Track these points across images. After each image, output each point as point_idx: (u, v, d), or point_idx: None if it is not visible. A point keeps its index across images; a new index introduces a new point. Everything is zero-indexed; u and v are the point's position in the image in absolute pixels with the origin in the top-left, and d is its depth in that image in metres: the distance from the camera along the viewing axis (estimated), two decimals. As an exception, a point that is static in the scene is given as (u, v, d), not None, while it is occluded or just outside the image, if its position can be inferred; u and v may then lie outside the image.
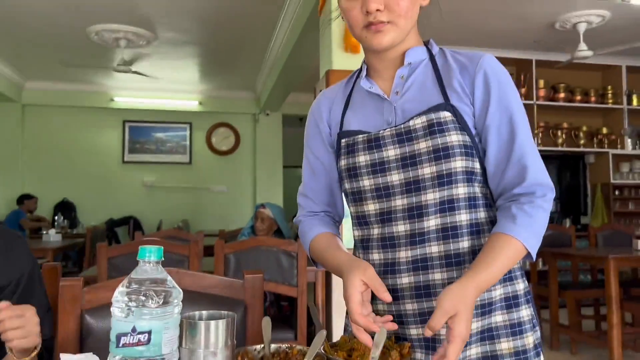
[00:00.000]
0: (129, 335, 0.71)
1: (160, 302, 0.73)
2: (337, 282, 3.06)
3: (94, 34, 4.77)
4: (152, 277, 0.75)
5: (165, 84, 6.55)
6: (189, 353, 0.80)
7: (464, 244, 0.91)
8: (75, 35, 4.84)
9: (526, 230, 0.86)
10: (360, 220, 1.01)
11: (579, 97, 5.59)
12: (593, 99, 5.66)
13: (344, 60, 3.06)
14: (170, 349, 0.74)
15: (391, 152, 0.94)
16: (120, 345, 0.71)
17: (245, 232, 3.72)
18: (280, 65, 5.16)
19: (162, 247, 0.76)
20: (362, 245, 1.02)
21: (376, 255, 0.98)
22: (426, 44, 1.02)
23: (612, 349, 3.39)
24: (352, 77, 1.09)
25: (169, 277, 0.76)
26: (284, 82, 5.58)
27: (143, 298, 0.72)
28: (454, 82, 0.94)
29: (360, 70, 1.06)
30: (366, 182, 0.97)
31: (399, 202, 0.94)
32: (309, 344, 3.08)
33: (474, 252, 0.92)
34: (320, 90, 3.33)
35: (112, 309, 0.73)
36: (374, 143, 0.96)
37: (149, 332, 0.71)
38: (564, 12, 4.40)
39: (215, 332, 0.81)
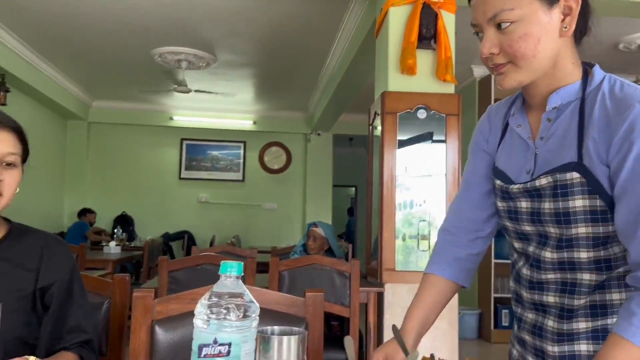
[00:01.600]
0: (211, 346, 0.74)
1: (241, 316, 0.76)
2: (388, 304, 3.03)
3: (158, 56, 5.01)
4: (231, 291, 0.78)
5: (221, 104, 6.77)
6: (262, 367, 0.83)
7: (580, 301, 0.89)
8: (140, 57, 5.10)
9: None
10: (513, 251, 1.04)
11: (643, 120, 5.36)
12: (659, 121, 5.41)
13: (400, 82, 3.08)
14: (247, 362, 0.77)
15: (523, 204, 0.94)
16: (202, 355, 0.75)
17: (298, 250, 3.76)
18: (333, 86, 5.23)
19: (242, 263, 0.79)
20: (513, 273, 1.04)
21: (524, 293, 0.99)
22: (588, 71, 0.91)
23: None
24: (515, 100, 1.02)
25: (247, 292, 0.80)
26: (336, 102, 5.65)
27: (224, 311, 0.75)
28: (590, 140, 0.85)
29: (517, 98, 1.00)
30: (508, 224, 0.99)
31: (531, 249, 0.95)
32: (361, 365, 3.00)
33: (593, 307, 0.89)
34: (375, 113, 3.37)
35: (194, 320, 0.77)
36: (506, 195, 0.97)
37: (229, 345, 0.74)
38: (628, 33, 4.26)
39: (287, 348, 0.83)
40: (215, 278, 0.80)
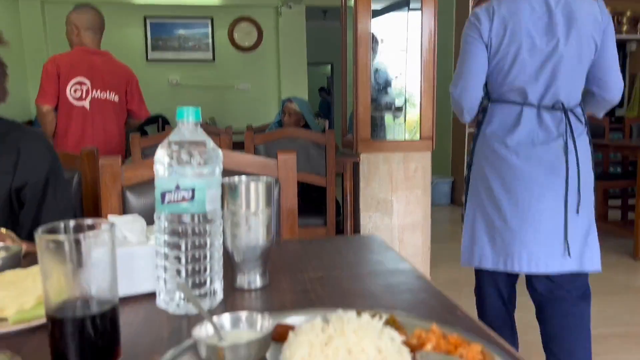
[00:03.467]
0: (173, 192, 0.73)
1: (202, 161, 0.73)
2: (364, 174, 3.09)
3: None
4: (192, 139, 0.75)
5: (183, -24, 6.27)
6: (231, 215, 0.83)
7: None
8: None
9: None
10: None
11: (625, -20, 5.18)
12: (642, -19, 5.23)
13: (374, -62, 2.84)
14: (213, 207, 0.76)
15: None
16: (165, 202, 0.73)
17: (273, 127, 3.73)
18: (303, -50, 4.84)
19: (199, 108, 0.75)
20: None
21: None
22: None
23: (638, 238, 3.42)
24: None
25: (209, 139, 0.77)
26: (307, -31, 5.27)
27: (185, 157, 0.73)
28: None
29: None
30: None
31: None
32: (338, 231, 3.16)
33: None
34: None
35: (155, 167, 0.74)
36: None
37: (193, 190, 0.73)
38: None
39: (255, 193, 0.83)
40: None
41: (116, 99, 2.97)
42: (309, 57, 7.18)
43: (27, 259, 0.95)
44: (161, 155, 0.73)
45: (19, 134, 1.25)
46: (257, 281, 0.86)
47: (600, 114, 1.86)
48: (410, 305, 0.78)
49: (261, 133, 3.79)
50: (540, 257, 1.66)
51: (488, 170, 1.75)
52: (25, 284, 0.74)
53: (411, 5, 3.11)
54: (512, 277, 1.88)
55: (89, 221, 0.60)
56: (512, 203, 1.70)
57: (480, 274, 1.93)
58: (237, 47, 6.96)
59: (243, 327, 0.64)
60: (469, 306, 3.05)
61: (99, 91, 2.89)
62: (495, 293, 1.89)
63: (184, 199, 0.73)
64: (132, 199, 1.29)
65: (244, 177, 0.86)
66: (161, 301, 0.76)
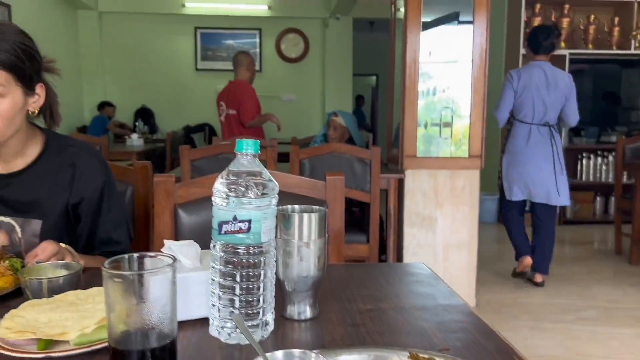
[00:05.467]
0: (230, 223, 0.74)
1: (260, 193, 0.74)
2: (409, 190, 3.05)
3: None
4: (249, 170, 0.76)
5: (234, -12, 6.41)
6: (283, 243, 0.83)
7: None
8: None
9: None
10: None
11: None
12: None
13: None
14: (268, 238, 0.76)
15: None
16: (223, 232, 0.74)
17: (318, 140, 3.74)
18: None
19: (259, 141, 0.76)
20: None
21: None
22: None
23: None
24: None
25: (265, 170, 0.77)
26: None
27: (243, 188, 0.73)
28: None
29: None
30: None
31: None
32: (381, 248, 3.13)
33: None
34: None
35: (213, 198, 0.76)
36: None
37: (249, 221, 0.74)
38: None
39: (308, 224, 0.83)
40: (237, 168, 0.78)
41: (235, 112, 4.21)
42: (354, 67, 7.20)
43: (85, 275, 0.98)
44: (219, 187, 0.75)
45: (75, 150, 1.29)
46: (307, 312, 0.86)
47: (567, 128, 3.28)
48: (464, 345, 0.76)
49: (306, 147, 3.82)
50: (541, 196, 3.38)
51: (513, 157, 3.43)
52: (85, 307, 0.77)
53: (461, 19, 3.07)
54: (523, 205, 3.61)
55: (151, 254, 0.61)
56: (525, 172, 3.39)
57: (508, 203, 3.57)
58: (284, 57, 7.06)
59: (296, 365, 0.64)
60: (515, 327, 2.93)
61: (228, 109, 4.25)
62: (516, 213, 3.57)
63: (240, 230, 0.73)
64: (183, 216, 1.32)
65: (297, 207, 0.87)
66: (213, 329, 0.77)
